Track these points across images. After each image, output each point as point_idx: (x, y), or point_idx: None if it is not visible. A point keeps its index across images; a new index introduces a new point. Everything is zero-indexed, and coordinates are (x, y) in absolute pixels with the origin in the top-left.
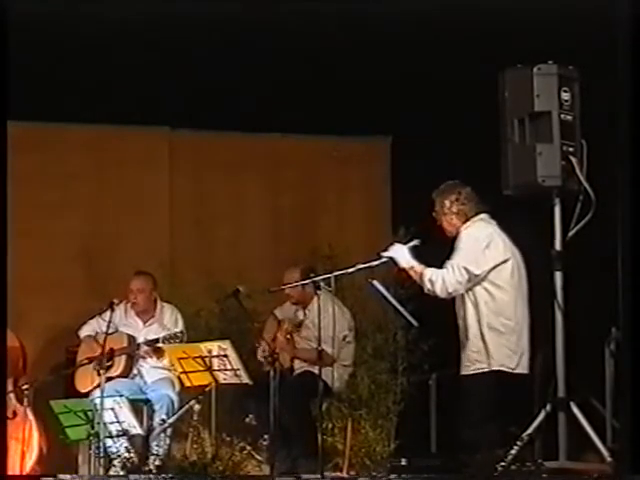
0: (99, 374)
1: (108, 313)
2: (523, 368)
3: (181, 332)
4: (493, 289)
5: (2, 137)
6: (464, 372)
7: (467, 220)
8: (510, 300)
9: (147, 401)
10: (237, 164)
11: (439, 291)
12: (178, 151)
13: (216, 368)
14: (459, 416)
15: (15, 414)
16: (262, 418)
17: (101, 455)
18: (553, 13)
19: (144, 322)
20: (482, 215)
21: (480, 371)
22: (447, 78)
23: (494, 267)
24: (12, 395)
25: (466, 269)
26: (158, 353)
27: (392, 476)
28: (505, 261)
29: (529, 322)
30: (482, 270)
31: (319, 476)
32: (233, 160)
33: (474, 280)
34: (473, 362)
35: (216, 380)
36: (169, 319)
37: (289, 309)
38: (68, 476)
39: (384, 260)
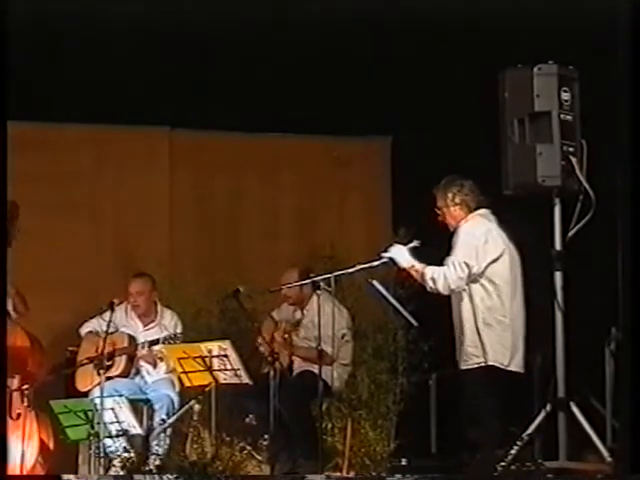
0: (99, 374)
1: (108, 313)
2: (516, 366)
3: (180, 333)
4: (489, 285)
5: (2, 137)
6: (462, 367)
7: (470, 211)
8: (505, 297)
9: (147, 401)
10: (237, 164)
11: (442, 288)
12: (178, 151)
13: (216, 368)
14: (458, 413)
15: (19, 415)
16: (262, 418)
17: (101, 455)
18: (553, 13)
19: (144, 325)
20: (481, 210)
21: (477, 366)
22: (447, 78)
23: (491, 262)
24: (17, 396)
25: (467, 264)
26: (157, 357)
27: (392, 476)
28: (501, 256)
29: (526, 321)
30: (480, 265)
31: (319, 476)
32: (233, 160)
33: (474, 276)
34: (470, 357)
35: (216, 380)
36: (169, 323)
37: (286, 310)
38: (72, 476)
39: (384, 260)
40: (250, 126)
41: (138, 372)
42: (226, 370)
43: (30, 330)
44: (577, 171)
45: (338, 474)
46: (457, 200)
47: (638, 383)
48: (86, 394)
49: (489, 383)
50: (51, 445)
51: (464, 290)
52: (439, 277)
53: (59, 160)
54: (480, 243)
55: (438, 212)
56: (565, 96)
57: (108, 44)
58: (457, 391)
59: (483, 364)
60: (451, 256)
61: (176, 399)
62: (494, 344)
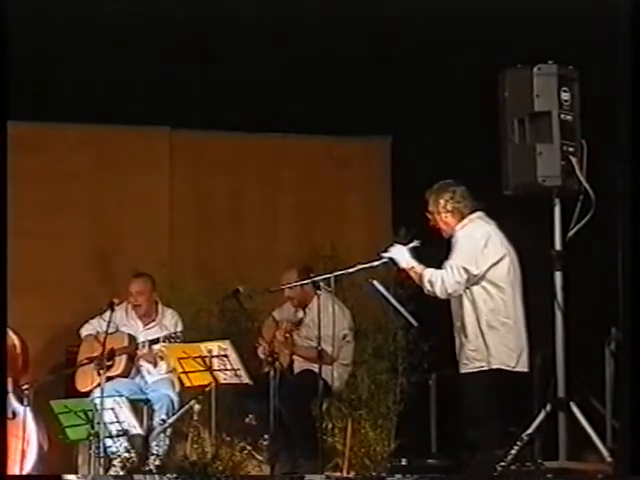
0: (99, 374)
1: (108, 313)
2: (523, 366)
3: (181, 332)
4: (491, 287)
5: (2, 137)
6: (463, 370)
7: (463, 218)
8: (508, 298)
9: (147, 401)
10: (237, 164)
11: (439, 292)
12: (178, 151)
13: (216, 368)
14: (459, 415)
15: (14, 415)
16: (262, 418)
17: (101, 455)
18: (553, 13)
19: (145, 324)
20: (478, 213)
21: (479, 369)
22: (447, 78)
23: (492, 265)
24: (11, 395)
25: (465, 269)
26: (157, 357)
27: (392, 476)
28: (502, 259)
29: (528, 320)
30: (481, 269)
31: (319, 476)
32: (233, 160)
33: (473, 279)
34: (471, 360)
35: (216, 380)
36: (169, 322)
37: (288, 310)
38: (73, 476)
39: (384, 260)
40: (250, 126)
41: (138, 372)
42: (226, 370)
43: (22, 329)
44: (577, 171)
45: (338, 474)
46: (449, 207)
47: (638, 383)
48: (86, 394)
49: (492, 386)
50: (46, 445)
51: (465, 293)
52: (437, 280)
53: (59, 160)
54: (480, 247)
55: (429, 217)
56: (565, 96)
57: (108, 44)
58: (458, 393)
59: (485, 367)
60: (450, 260)
61: (176, 399)
62: (499, 346)
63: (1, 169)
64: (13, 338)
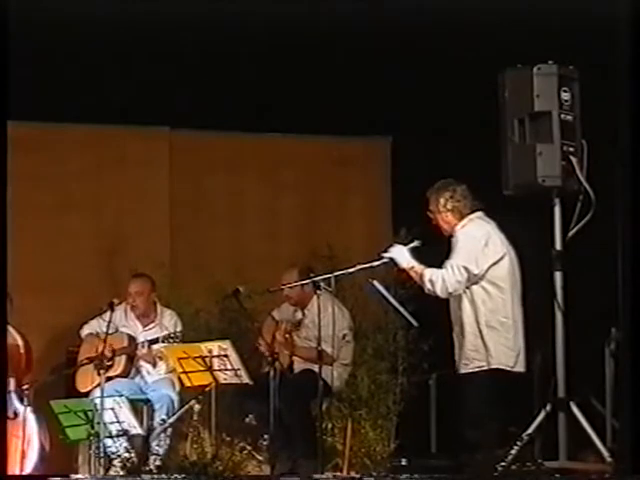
0: (99, 374)
1: (108, 313)
2: (521, 366)
3: (180, 332)
4: (490, 287)
5: (2, 137)
6: (462, 370)
7: (462, 217)
8: (507, 298)
9: (147, 401)
10: (237, 164)
11: (439, 291)
12: (178, 151)
13: (216, 368)
14: (459, 415)
15: (16, 414)
16: (262, 418)
17: (101, 455)
18: (553, 13)
19: (144, 326)
20: (478, 213)
21: (479, 369)
22: (447, 78)
23: (492, 265)
24: (13, 395)
25: (466, 268)
26: (157, 357)
27: (400, 475)
28: (501, 258)
29: (527, 321)
30: (481, 269)
31: (319, 476)
32: (233, 160)
33: (474, 279)
34: (471, 360)
35: (216, 380)
36: (169, 323)
37: (287, 310)
38: (80, 476)
39: (384, 260)
40: (250, 126)
41: (138, 372)
42: (226, 370)
43: (22, 329)
44: (577, 171)
45: (341, 474)
46: (449, 206)
47: (638, 383)
48: (86, 394)
49: (491, 386)
50: (47, 445)
51: (465, 293)
52: (437, 280)
53: (59, 160)
54: (480, 246)
55: (431, 216)
56: (565, 96)
57: (108, 44)
58: (458, 393)
59: (485, 367)
60: (450, 259)
61: (176, 399)
62: (498, 346)
63: (1, 169)
64: (17, 338)
